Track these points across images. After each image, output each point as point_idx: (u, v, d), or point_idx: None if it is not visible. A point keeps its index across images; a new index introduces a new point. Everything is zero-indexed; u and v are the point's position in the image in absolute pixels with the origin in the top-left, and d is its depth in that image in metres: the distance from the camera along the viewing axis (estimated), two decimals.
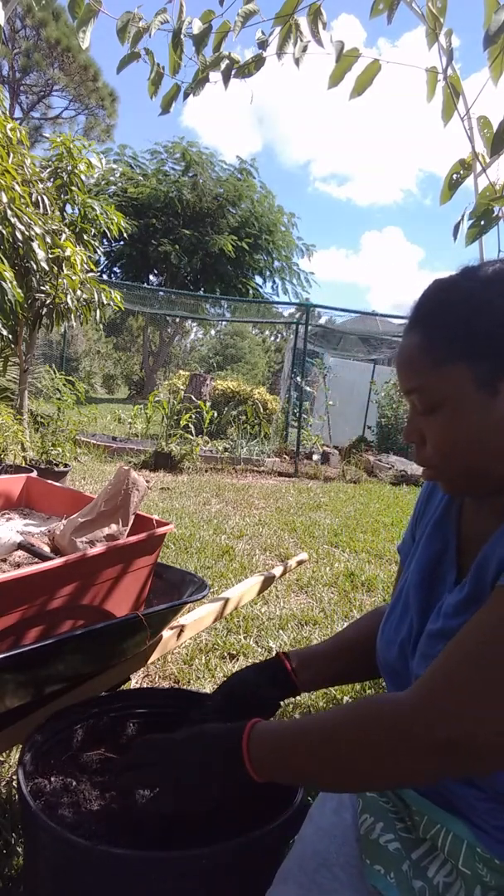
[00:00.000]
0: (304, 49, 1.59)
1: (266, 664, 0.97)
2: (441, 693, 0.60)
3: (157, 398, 8.30)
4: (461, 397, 0.69)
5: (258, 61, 1.63)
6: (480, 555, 0.72)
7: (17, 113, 23.75)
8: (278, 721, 0.75)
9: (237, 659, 2.21)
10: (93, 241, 5.53)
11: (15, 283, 3.98)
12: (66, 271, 4.89)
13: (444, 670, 0.62)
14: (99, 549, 1.19)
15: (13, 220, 4.12)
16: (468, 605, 0.71)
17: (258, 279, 20.79)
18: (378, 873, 0.70)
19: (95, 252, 5.61)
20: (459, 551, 0.81)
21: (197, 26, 1.60)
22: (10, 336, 5.15)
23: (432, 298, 0.73)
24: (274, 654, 1.00)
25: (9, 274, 3.90)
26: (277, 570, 2.04)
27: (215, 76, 1.65)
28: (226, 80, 1.64)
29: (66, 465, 5.16)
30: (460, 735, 0.58)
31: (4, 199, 4.02)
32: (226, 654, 2.23)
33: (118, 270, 19.63)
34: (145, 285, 16.90)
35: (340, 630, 1.04)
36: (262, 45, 1.61)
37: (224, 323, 26.04)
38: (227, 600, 1.70)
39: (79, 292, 5.03)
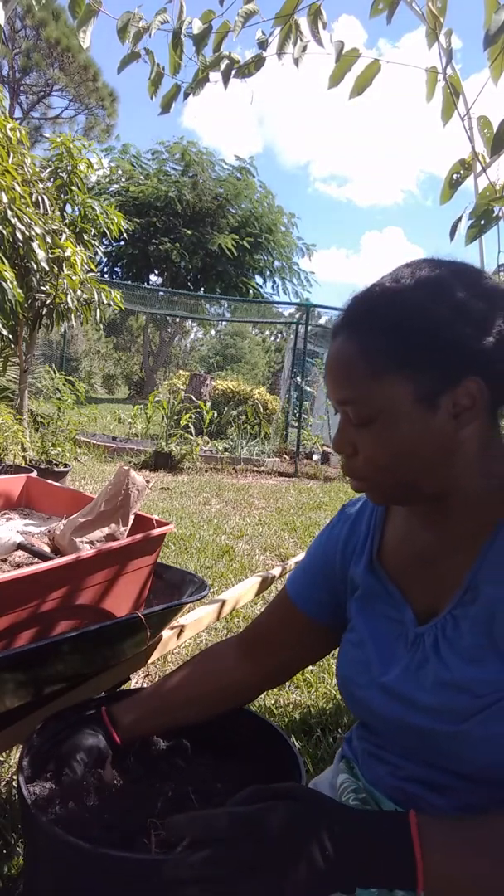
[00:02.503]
0: (304, 49, 1.59)
1: (92, 732, 0.90)
2: None
3: (157, 398, 8.30)
4: (397, 411, 0.66)
5: (258, 61, 1.63)
6: (465, 593, 0.69)
7: (17, 113, 23.76)
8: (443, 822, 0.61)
9: None
10: (93, 241, 5.53)
11: (15, 283, 3.98)
12: (66, 271, 4.89)
13: None
14: (99, 549, 1.19)
15: (13, 220, 4.12)
16: (481, 653, 0.67)
17: (258, 279, 20.81)
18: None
19: (96, 253, 5.61)
20: (392, 580, 0.79)
21: (197, 26, 1.60)
22: (10, 336, 5.15)
23: (365, 305, 0.70)
24: None
25: (9, 274, 3.91)
26: (276, 571, 2.04)
27: (215, 76, 1.65)
28: (226, 80, 1.64)
29: (66, 465, 5.16)
30: None
31: (4, 199, 4.02)
32: None
33: (119, 270, 19.64)
34: (145, 285, 16.90)
35: (177, 670, 0.98)
36: (262, 45, 1.61)
37: (224, 323, 26.07)
38: (223, 602, 1.70)
39: (79, 292, 5.03)
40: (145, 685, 1.96)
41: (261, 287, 20.85)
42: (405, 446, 0.67)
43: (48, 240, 4.61)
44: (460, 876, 0.56)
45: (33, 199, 4.62)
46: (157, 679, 2.03)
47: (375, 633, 0.80)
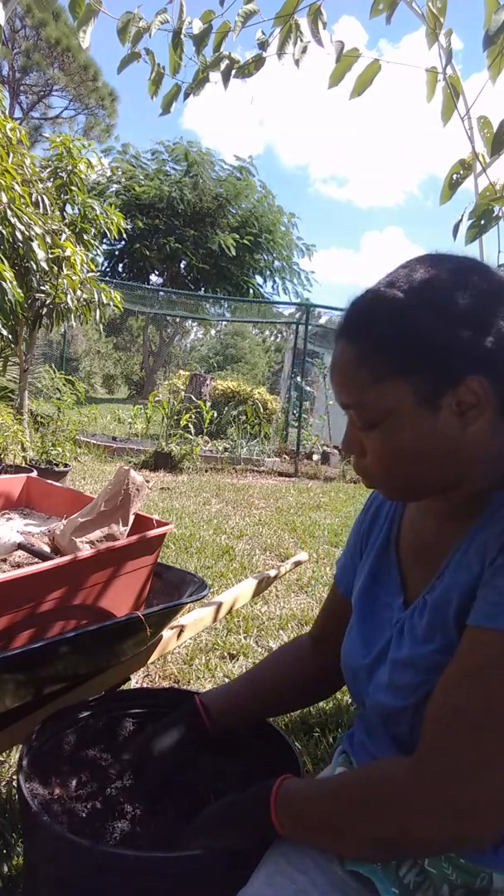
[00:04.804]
0: (304, 49, 1.59)
1: (182, 724, 0.94)
2: (445, 756, 0.62)
3: (157, 398, 8.30)
4: (400, 414, 0.68)
5: (258, 61, 1.63)
6: (438, 579, 0.72)
7: (17, 113, 23.75)
8: (301, 781, 0.76)
9: (237, 659, 2.21)
10: (93, 241, 5.54)
11: (15, 283, 3.98)
12: (66, 271, 4.89)
13: (443, 735, 0.62)
14: (99, 549, 1.19)
15: (13, 220, 4.12)
16: (433, 634, 0.70)
17: (258, 278, 20.81)
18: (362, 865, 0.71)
19: (96, 253, 5.62)
20: (400, 565, 0.82)
21: (197, 26, 1.60)
22: (10, 336, 5.16)
23: (364, 310, 0.70)
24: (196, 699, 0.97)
25: (9, 274, 3.91)
26: (273, 572, 2.04)
27: (215, 76, 1.65)
28: (226, 80, 1.64)
29: (66, 465, 5.16)
30: (464, 796, 0.60)
31: (4, 199, 4.02)
32: (226, 654, 2.23)
33: (120, 270, 19.64)
34: (145, 285, 16.90)
35: (260, 664, 1.02)
36: (263, 45, 1.61)
37: (224, 323, 26.06)
38: (220, 604, 1.70)
39: (79, 292, 5.03)
40: (145, 685, 1.97)
41: (261, 287, 20.87)
42: (411, 447, 0.69)
43: (48, 240, 4.61)
44: (309, 813, 0.70)
45: (33, 199, 4.62)
46: (156, 679, 2.03)
47: (369, 614, 0.82)
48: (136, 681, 1.97)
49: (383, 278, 0.71)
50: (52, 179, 5.24)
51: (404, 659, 0.72)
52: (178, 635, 1.52)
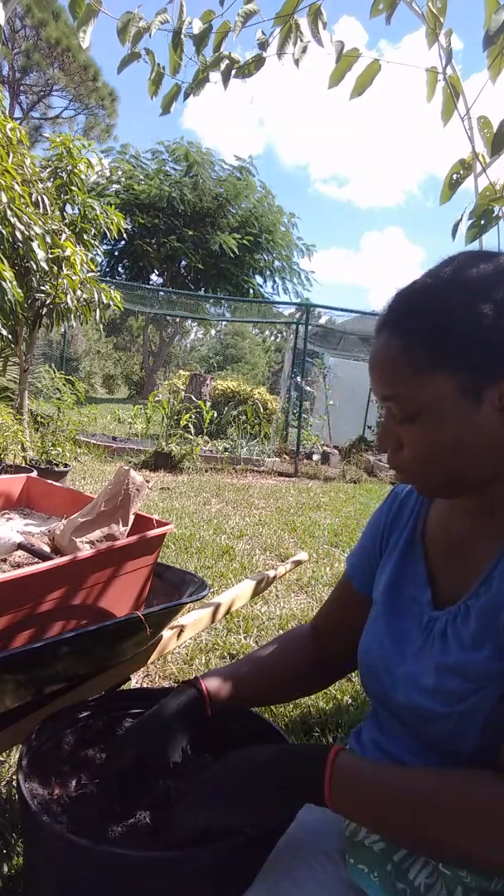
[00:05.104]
0: (304, 49, 1.59)
1: (182, 705, 0.88)
2: None
3: (157, 398, 8.30)
4: (442, 406, 0.67)
5: (258, 61, 1.63)
6: (483, 584, 0.70)
7: (17, 113, 23.75)
8: (358, 758, 0.72)
9: (237, 659, 2.21)
10: (93, 241, 5.54)
11: (15, 283, 3.98)
12: (66, 271, 4.89)
13: None
14: (99, 548, 1.19)
15: (13, 220, 4.12)
16: (482, 641, 0.69)
17: (258, 278, 20.81)
18: (362, 872, 0.70)
19: (97, 254, 5.62)
20: (427, 560, 0.81)
21: (197, 26, 1.60)
22: (10, 336, 5.16)
23: (404, 301, 0.71)
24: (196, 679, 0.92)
25: (9, 274, 3.90)
26: (273, 572, 2.03)
27: (215, 76, 1.65)
28: (226, 80, 1.64)
29: (66, 465, 5.16)
30: None
31: (4, 199, 4.02)
32: (226, 654, 2.23)
33: (120, 270, 19.64)
34: (146, 285, 16.90)
35: (264, 647, 1.00)
36: (263, 45, 1.61)
37: (224, 323, 26.06)
38: (220, 604, 1.69)
39: (79, 292, 5.03)
40: (145, 685, 1.97)
41: (261, 287, 20.87)
42: (450, 441, 0.68)
43: (48, 240, 4.61)
44: (359, 811, 0.66)
45: (33, 199, 4.62)
46: (156, 679, 2.03)
47: (393, 610, 0.81)
48: (136, 681, 1.97)
49: (430, 271, 0.72)
50: (52, 179, 5.24)
51: (452, 665, 0.71)
52: (178, 635, 1.51)
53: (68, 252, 4.83)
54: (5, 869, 1.19)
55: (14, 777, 1.44)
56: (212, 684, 0.91)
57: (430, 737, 0.73)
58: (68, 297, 4.94)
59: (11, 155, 4.37)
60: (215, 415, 8.56)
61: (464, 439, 0.68)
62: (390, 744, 0.79)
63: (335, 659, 0.97)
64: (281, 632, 2.46)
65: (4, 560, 1.24)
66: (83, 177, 5.33)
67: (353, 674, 1.06)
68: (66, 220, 5.30)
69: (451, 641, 0.72)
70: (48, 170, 5.28)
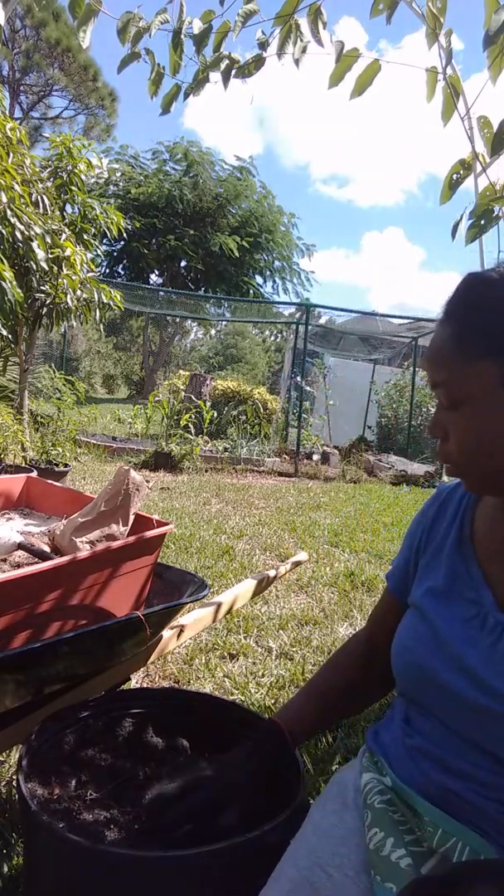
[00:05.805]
0: (304, 49, 1.59)
1: (264, 753, 0.88)
2: None
3: (157, 398, 8.30)
4: (487, 395, 0.68)
5: (258, 61, 1.63)
6: None
7: (17, 113, 23.75)
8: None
9: (237, 659, 2.21)
10: (93, 241, 5.54)
11: (15, 283, 3.98)
12: (66, 271, 4.89)
13: None
14: (99, 549, 1.19)
15: (13, 220, 4.12)
16: None
17: (258, 278, 20.81)
18: (390, 891, 0.67)
19: (97, 254, 5.62)
20: (478, 561, 0.79)
21: (197, 26, 1.60)
22: (10, 336, 5.16)
23: (464, 292, 0.73)
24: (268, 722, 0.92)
25: (9, 274, 3.90)
26: (273, 572, 2.03)
27: (215, 76, 1.65)
28: (226, 80, 1.64)
29: (66, 465, 5.16)
30: None
31: (4, 199, 4.02)
32: (226, 654, 2.23)
33: (120, 270, 19.65)
34: (146, 285, 16.90)
35: (320, 674, 0.99)
36: (263, 45, 1.61)
37: (224, 323, 26.06)
38: (220, 604, 1.69)
39: (79, 292, 5.03)
40: (145, 685, 1.96)
41: (261, 287, 20.87)
42: (494, 430, 0.69)
43: (48, 240, 4.61)
44: None
45: (33, 199, 4.62)
46: (156, 679, 2.03)
47: (448, 612, 0.79)
48: (136, 681, 1.97)
49: (494, 266, 0.74)
50: (51, 179, 5.24)
51: None
52: (178, 635, 1.51)
53: (68, 252, 4.83)
54: (5, 869, 1.19)
55: (14, 777, 1.44)
56: (291, 727, 0.91)
57: (484, 742, 0.71)
58: (68, 297, 4.94)
59: (11, 155, 4.37)
60: (215, 415, 8.56)
61: None
62: (429, 743, 0.77)
63: (385, 668, 0.94)
64: (281, 632, 2.46)
65: (4, 560, 1.24)
66: (83, 177, 5.34)
67: None
68: (66, 220, 5.30)
69: None
70: (48, 170, 5.28)
